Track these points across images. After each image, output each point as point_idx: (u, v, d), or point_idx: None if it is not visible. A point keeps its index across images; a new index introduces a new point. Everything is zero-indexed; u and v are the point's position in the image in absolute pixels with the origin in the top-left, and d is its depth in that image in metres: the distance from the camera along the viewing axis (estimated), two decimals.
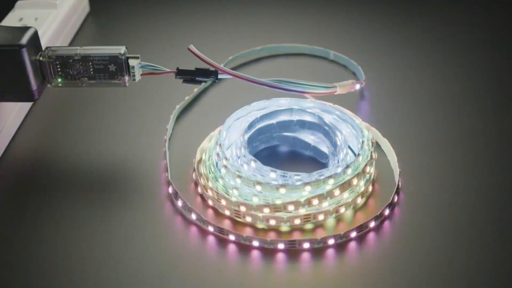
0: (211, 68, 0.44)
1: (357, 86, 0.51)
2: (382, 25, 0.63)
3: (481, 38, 0.61)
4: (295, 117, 0.47)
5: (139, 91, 0.53)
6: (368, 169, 0.43)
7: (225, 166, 0.43)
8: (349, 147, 0.45)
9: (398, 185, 0.43)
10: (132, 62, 0.43)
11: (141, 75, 0.44)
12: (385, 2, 0.67)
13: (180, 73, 0.44)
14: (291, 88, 0.44)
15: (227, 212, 0.42)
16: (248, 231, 0.41)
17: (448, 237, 0.40)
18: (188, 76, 0.44)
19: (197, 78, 0.44)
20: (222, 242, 0.41)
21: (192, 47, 0.43)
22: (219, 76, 0.44)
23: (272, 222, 0.41)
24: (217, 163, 0.44)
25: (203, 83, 0.53)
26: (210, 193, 0.43)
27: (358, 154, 0.43)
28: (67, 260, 0.40)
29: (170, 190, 0.44)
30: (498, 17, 0.64)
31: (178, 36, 0.63)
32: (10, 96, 0.44)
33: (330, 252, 0.40)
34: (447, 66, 0.57)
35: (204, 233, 0.41)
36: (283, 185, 0.41)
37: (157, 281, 0.38)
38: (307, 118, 0.47)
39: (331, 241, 0.40)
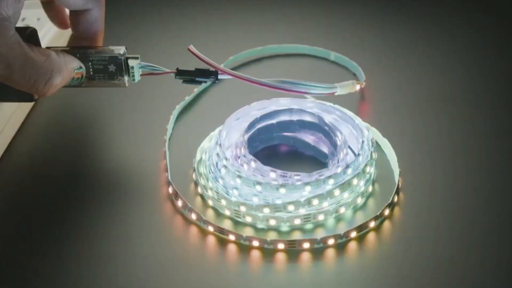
0: (211, 69, 0.44)
1: (357, 87, 0.51)
2: (383, 26, 0.63)
3: (482, 38, 0.61)
4: (295, 117, 0.47)
5: (139, 91, 0.53)
6: (368, 169, 0.43)
7: (225, 166, 0.43)
8: (349, 147, 0.45)
9: (398, 185, 0.43)
10: (131, 62, 0.43)
11: (141, 75, 0.44)
12: (386, 3, 0.67)
13: (180, 73, 0.44)
14: (291, 88, 0.44)
15: (227, 212, 0.42)
16: (248, 231, 0.41)
17: (448, 236, 0.40)
18: (188, 76, 0.44)
19: (197, 79, 0.44)
20: (222, 242, 0.41)
21: (192, 47, 0.43)
22: (219, 77, 0.44)
23: (272, 222, 0.41)
24: (217, 163, 0.44)
25: (203, 83, 0.53)
26: (210, 193, 0.43)
27: (358, 154, 0.43)
28: (66, 259, 0.40)
29: (170, 190, 0.44)
30: (499, 16, 0.64)
31: (178, 36, 0.63)
32: (10, 96, 0.44)
33: (330, 252, 0.40)
34: (447, 66, 0.57)
35: (204, 233, 0.41)
36: (283, 185, 0.41)
37: (157, 281, 0.38)
38: (307, 118, 0.47)
39: (331, 241, 0.40)
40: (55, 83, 0.39)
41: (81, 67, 0.42)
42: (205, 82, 0.44)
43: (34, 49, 0.38)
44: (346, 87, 0.49)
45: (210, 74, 0.44)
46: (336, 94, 0.47)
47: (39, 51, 0.39)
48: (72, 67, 0.41)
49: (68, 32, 0.59)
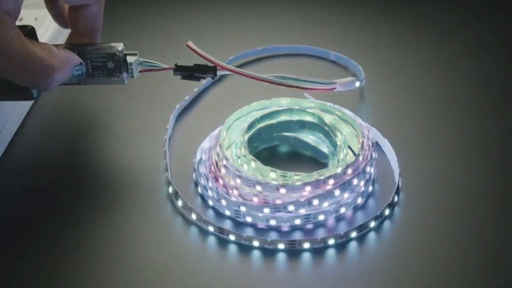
0: (210, 64, 0.43)
1: (357, 84, 0.51)
2: (383, 25, 0.63)
3: (483, 39, 0.61)
4: (295, 117, 0.47)
5: (139, 90, 0.53)
6: (368, 169, 0.43)
7: (225, 166, 0.43)
8: (349, 147, 0.45)
9: (398, 185, 0.43)
10: (130, 59, 0.43)
11: (140, 71, 0.44)
12: (386, 2, 0.67)
13: (178, 69, 0.44)
14: (291, 84, 0.44)
15: (227, 212, 0.42)
16: (248, 231, 0.41)
17: (448, 237, 0.40)
18: (187, 72, 0.44)
19: (195, 74, 0.44)
20: (222, 242, 0.41)
21: (190, 43, 0.43)
22: (218, 72, 0.44)
23: (272, 222, 0.41)
24: (217, 163, 0.44)
25: (203, 81, 0.53)
26: (210, 193, 0.43)
27: (358, 154, 0.43)
28: (66, 260, 0.40)
29: (170, 190, 0.44)
30: (500, 18, 0.64)
31: (177, 35, 0.63)
32: (10, 96, 0.44)
33: (330, 252, 0.40)
34: (447, 66, 0.57)
35: (204, 233, 0.41)
36: (283, 185, 0.41)
37: (157, 281, 0.38)
38: (307, 118, 0.47)
39: (331, 241, 0.40)
40: (57, 77, 0.39)
41: (81, 63, 0.42)
42: (204, 78, 0.44)
43: (35, 43, 0.38)
44: (345, 84, 0.49)
45: (209, 69, 0.43)
46: (335, 90, 0.47)
47: (40, 45, 0.38)
48: (73, 62, 0.41)
49: (66, 33, 0.60)
